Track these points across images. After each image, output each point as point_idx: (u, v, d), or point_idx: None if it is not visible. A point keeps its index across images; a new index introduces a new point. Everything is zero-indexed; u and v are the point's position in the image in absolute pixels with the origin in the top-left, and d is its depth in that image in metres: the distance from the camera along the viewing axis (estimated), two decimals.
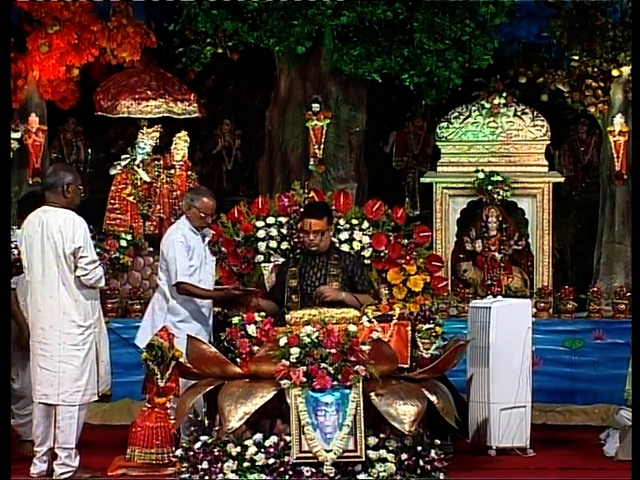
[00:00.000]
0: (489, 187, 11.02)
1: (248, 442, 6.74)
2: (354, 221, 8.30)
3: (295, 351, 6.69)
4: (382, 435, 6.80)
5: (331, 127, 11.80)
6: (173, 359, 7.30)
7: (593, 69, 11.88)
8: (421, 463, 6.75)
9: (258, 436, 6.76)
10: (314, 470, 6.61)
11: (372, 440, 6.74)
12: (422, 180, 11.85)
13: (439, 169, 11.43)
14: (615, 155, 11.81)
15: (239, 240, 8.31)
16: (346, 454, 6.64)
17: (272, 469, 6.64)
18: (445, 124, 11.38)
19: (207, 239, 7.83)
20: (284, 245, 8.24)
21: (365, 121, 12.14)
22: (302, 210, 8.04)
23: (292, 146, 11.99)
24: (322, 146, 11.77)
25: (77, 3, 11.96)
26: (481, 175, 11.06)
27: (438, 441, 7.00)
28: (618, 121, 11.75)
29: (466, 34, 11.30)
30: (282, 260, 8.15)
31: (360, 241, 8.24)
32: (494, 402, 8.12)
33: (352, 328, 6.83)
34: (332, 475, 6.59)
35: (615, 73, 11.80)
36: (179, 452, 7.01)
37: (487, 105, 11.33)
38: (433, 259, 8.45)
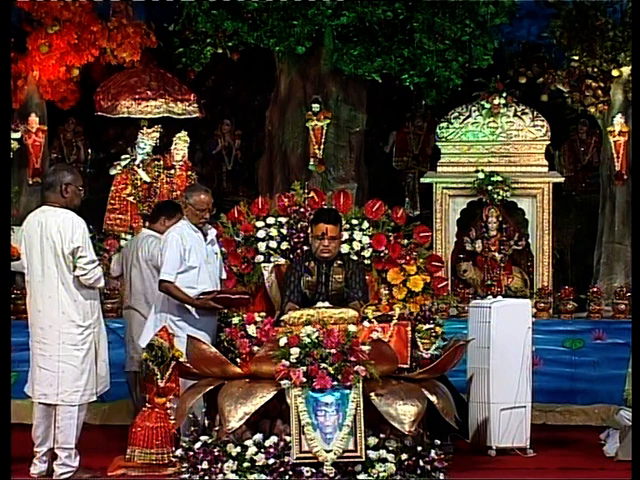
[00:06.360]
0: (489, 187, 11.03)
1: (248, 442, 6.75)
2: (354, 221, 8.29)
3: (295, 351, 6.70)
4: (382, 435, 6.80)
5: (331, 127, 11.80)
6: (173, 359, 7.30)
7: (593, 69, 11.88)
8: (421, 463, 6.76)
9: (258, 436, 6.76)
10: (314, 470, 6.61)
11: (372, 440, 6.74)
12: (422, 180, 11.86)
13: (439, 169, 11.44)
14: (615, 155, 11.81)
15: (239, 240, 8.30)
16: (346, 454, 6.64)
17: (272, 469, 6.64)
18: (445, 124, 11.39)
19: (210, 238, 7.78)
20: (284, 245, 8.24)
21: (365, 121, 12.14)
22: (315, 215, 7.90)
23: (292, 146, 12.00)
24: (322, 146, 11.78)
25: (77, 3, 11.95)
26: (481, 175, 11.07)
27: (438, 441, 7.01)
28: (618, 121, 11.75)
29: (466, 34, 11.30)
30: (282, 261, 8.15)
31: (360, 241, 8.23)
32: (494, 402, 8.12)
33: (352, 328, 6.83)
34: (332, 475, 6.59)
35: (615, 73, 11.80)
36: (179, 452, 7.01)
37: (487, 105, 11.34)
38: (433, 259, 8.45)
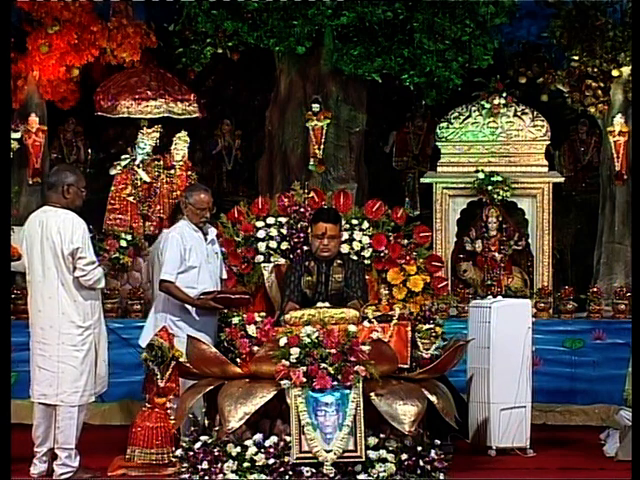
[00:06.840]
0: (489, 187, 11.02)
1: (248, 442, 6.75)
2: (354, 221, 8.30)
3: (295, 351, 6.70)
4: (382, 435, 6.80)
5: (331, 127, 11.80)
6: (173, 359, 7.30)
7: (593, 69, 11.87)
8: (421, 463, 6.76)
9: (258, 436, 6.77)
10: (314, 470, 6.61)
11: (372, 440, 6.75)
12: (422, 180, 11.85)
13: (439, 169, 11.43)
14: (615, 155, 11.80)
15: (239, 240, 8.31)
16: (346, 454, 6.64)
17: (272, 469, 6.65)
18: (445, 124, 11.38)
19: (210, 237, 7.78)
20: (284, 245, 8.24)
21: (365, 121, 12.13)
22: (315, 214, 7.93)
23: (292, 146, 11.99)
24: (322, 146, 11.77)
25: (77, 3, 11.95)
26: (481, 175, 11.07)
27: (438, 441, 7.01)
28: (618, 121, 11.73)
29: (466, 34, 11.29)
30: (282, 261, 8.15)
31: (360, 241, 8.24)
32: (494, 402, 8.12)
33: (352, 328, 6.84)
34: (332, 475, 6.59)
35: (615, 73, 11.79)
36: (179, 452, 7.01)
37: (487, 105, 11.34)
38: (433, 259, 8.46)
